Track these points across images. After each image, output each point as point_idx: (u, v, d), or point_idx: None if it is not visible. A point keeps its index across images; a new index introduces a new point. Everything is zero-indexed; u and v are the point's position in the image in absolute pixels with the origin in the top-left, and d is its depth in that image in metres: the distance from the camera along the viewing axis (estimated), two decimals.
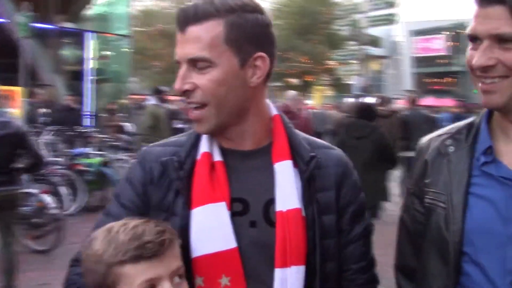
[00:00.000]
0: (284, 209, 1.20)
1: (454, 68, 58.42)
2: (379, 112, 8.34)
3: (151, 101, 8.25)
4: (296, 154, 1.26)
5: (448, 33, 57.26)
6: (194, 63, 1.18)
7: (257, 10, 1.22)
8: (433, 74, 60.37)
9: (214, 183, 1.21)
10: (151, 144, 1.37)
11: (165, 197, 1.25)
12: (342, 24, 21.65)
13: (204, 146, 1.26)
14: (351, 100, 16.39)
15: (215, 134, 1.27)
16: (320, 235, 1.22)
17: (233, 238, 1.17)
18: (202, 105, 1.20)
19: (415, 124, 8.35)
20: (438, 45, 57.90)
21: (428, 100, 40.98)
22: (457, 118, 19.03)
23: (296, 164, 1.25)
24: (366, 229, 1.34)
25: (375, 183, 5.34)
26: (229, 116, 1.22)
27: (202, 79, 1.18)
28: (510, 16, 1.07)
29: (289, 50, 34.41)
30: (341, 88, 39.41)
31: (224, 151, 1.26)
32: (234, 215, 1.20)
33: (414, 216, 1.35)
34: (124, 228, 1.09)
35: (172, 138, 1.38)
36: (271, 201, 1.23)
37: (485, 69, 1.11)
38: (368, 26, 19.72)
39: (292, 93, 8.60)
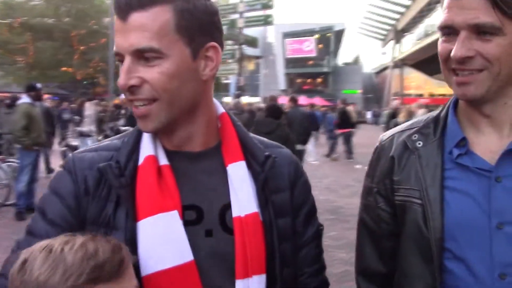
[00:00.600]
0: (242, 214, 1.08)
1: (323, 69, 62.03)
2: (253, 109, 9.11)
3: (24, 99, 7.42)
4: (249, 154, 1.15)
5: (317, 35, 60.52)
6: (141, 54, 1.01)
7: None
8: (304, 74, 63.47)
9: (163, 190, 1.05)
10: (79, 151, 1.17)
11: (103, 209, 1.07)
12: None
13: (146, 148, 1.10)
14: (230, 99, 16.41)
15: (160, 134, 1.12)
16: (278, 240, 1.12)
17: (188, 251, 1.03)
18: (151, 101, 1.04)
19: (297, 120, 8.88)
20: (309, 47, 60.89)
21: (300, 99, 42.89)
22: (324, 115, 19.79)
23: (249, 165, 1.14)
24: (317, 231, 1.25)
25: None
26: (180, 113, 1.08)
27: (151, 73, 1.02)
28: (489, 5, 1.00)
29: None
30: (218, 87, 39.84)
31: (169, 154, 1.11)
32: (187, 224, 1.05)
33: (378, 216, 1.28)
34: (70, 247, 0.86)
35: (103, 142, 1.18)
36: (226, 207, 1.10)
37: (463, 60, 1.05)
38: (244, 26, 19.97)
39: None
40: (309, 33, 60.83)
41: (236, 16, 20.01)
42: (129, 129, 1.21)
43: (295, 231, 1.19)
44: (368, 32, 66.06)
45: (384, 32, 63.15)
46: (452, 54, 1.05)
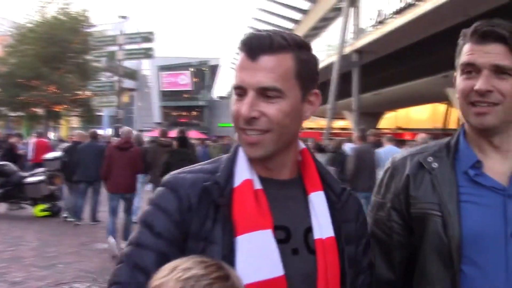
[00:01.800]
0: (323, 237, 1.22)
1: (199, 103, 62.60)
2: (159, 142, 10.23)
3: None
4: (326, 186, 1.29)
5: (192, 69, 61.17)
6: (264, 92, 1.16)
7: (311, 48, 1.25)
8: (179, 107, 63.40)
9: (259, 211, 1.17)
10: (175, 172, 1.28)
11: (203, 225, 1.18)
12: (96, 55, 21.09)
13: (244, 173, 1.22)
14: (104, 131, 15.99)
15: (255, 163, 1.24)
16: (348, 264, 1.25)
17: (280, 266, 1.14)
18: (264, 132, 1.18)
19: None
20: (184, 80, 61.18)
21: (177, 132, 42.79)
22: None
23: (326, 195, 1.27)
24: (371, 261, 1.39)
25: None
26: (283, 145, 1.22)
27: (271, 109, 1.16)
28: (507, 52, 1.27)
29: (35, 78, 32.10)
30: (91, 119, 38.31)
31: (262, 180, 1.24)
32: (277, 242, 1.17)
33: (391, 228, 1.45)
34: (181, 275, 0.99)
35: (196, 166, 1.31)
36: (309, 229, 1.23)
37: (484, 94, 1.28)
38: (125, 59, 19.71)
39: (126, 128, 9.04)
40: (184, 67, 61.25)
41: (115, 48, 19.70)
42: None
43: (356, 260, 1.30)
44: None
45: None
46: (476, 87, 1.27)
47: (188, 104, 62.44)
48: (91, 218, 10.23)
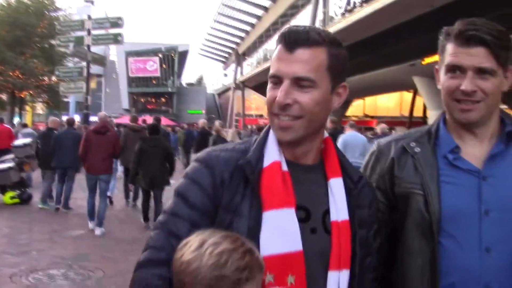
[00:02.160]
0: (339, 219, 1.33)
1: (167, 89, 62.07)
2: (131, 126, 10.75)
3: None
4: (345, 173, 1.40)
5: (161, 55, 60.53)
6: (298, 81, 1.27)
7: (341, 44, 1.37)
8: (148, 94, 62.74)
9: (285, 190, 1.29)
10: (211, 149, 1.41)
11: (233, 198, 1.29)
12: (63, 40, 20.65)
13: (273, 155, 1.33)
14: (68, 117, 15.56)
15: (284, 146, 1.35)
16: (359, 246, 1.37)
17: (300, 242, 1.25)
18: (296, 118, 1.29)
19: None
20: (152, 66, 60.50)
21: (146, 118, 42.47)
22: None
23: (344, 181, 1.39)
24: (380, 245, 1.50)
25: (163, 174, 8.52)
26: (312, 131, 1.34)
27: (304, 97, 1.28)
28: (490, 55, 1.40)
29: None
30: (58, 105, 37.61)
31: (288, 163, 1.34)
32: (298, 221, 1.28)
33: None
34: (212, 250, 1.10)
35: (229, 145, 1.42)
36: (326, 211, 1.34)
37: (469, 93, 1.41)
38: (93, 44, 19.37)
39: (102, 113, 9.72)
40: (153, 52, 60.57)
41: (83, 33, 19.34)
42: None
43: (367, 243, 1.42)
44: (211, 54, 67.94)
45: (226, 55, 65.43)
46: (463, 88, 1.41)
47: (156, 91, 61.88)
48: (64, 205, 10.28)
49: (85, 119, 19.30)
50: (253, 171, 1.30)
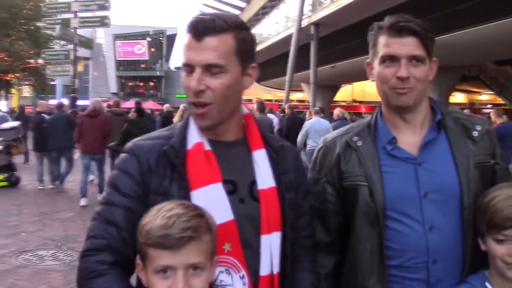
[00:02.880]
0: (265, 187, 1.43)
1: (156, 73, 61.68)
2: (114, 111, 11.21)
3: None
4: (267, 144, 1.51)
5: (149, 39, 60.00)
6: (209, 68, 1.35)
7: (249, 28, 1.46)
8: (136, 77, 62.30)
9: (210, 168, 1.38)
10: (136, 139, 1.48)
11: (161, 183, 1.38)
12: (49, 22, 20.39)
13: (195, 137, 1.42)
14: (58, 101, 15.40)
15: (209, 128, 1.43)
16: (288, 208, 1.47)
17: (230, 212, 1.36)
18: (209, 104, 1.38)
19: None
20: (140, 50, 59.97)
21: (133, 103, 42.30)
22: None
23: (267, 152, 1.50)
24: (311, 205, 1.63)
25: None
26: (227, 113, 1.42)
27: (215, 82, 1.36)
28: (420, 44, 1.53)
29: None
30: (44, 88, 37.26)
31: (211, 142, 1.44)
32: (227, 194, 1.38)
33: (326, 199, 1.70)
34: (165, 214, 1.21)
35: (154, 133, 1.52)
36: (253, 182, 1.44)
37: (404, 79, 1.53)
38: (80, 27, 19.16)
39: (95, 99, 10.91)
40: (141, 36, 59.98)
41: (70, 15, 19.12)
42: None
43: (297, 203, 1.53)
44: None
45: None
46: (399, 74, 1.53)
47: (144, 74, 61.45)
48: (60, 181, 10.65)
49: (73, 103, 19.16)
50: (178, 155, 1.39)
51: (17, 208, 8.84)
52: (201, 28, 1.36)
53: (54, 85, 45.50)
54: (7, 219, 7.97)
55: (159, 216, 1.21)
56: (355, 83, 54.04)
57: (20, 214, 8.41)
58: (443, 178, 1.57)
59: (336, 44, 28.12)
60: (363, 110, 51.44)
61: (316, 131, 9.90)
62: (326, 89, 41.85)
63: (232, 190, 1.41)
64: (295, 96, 54.61)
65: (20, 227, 7.46)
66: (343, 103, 52.48)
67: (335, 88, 46.05)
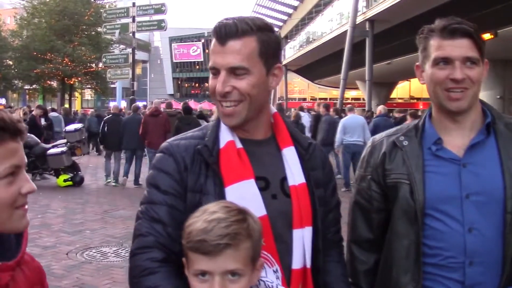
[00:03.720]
0: (296, 184, 1.48)
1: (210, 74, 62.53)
2: (168, 112, 12.33)
3: None
4: (296, 142, 1.56)
5: (204, 40, 60.93)
6: (234, 70, 1.42)
7: (273, 30, 1.51)
8: (192, 79, 63.47)
9: (242, 165, 1.44)
10: (171, 139, 1.56)
11: (197, 180, 1.44)
12: (109, 27, 21.16)
13: (226, 136, 1.48)
14: (117, 103, 16.06)
15: (238, 127, 1.49)
16: (318, 204, 1.53)
17: (263, 208, 1.41)
18: (238, 102, 1.44)
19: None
20: (196, 52, 61.01)
21: (190, 104, 43.12)
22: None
23: (296, 149, 1.55)
24: (338, 201, 1.68)
25: None
26: (254, 112, 1.48)
27: (240, 83, 1.42)
28: (473, 46, 1.54)
29: (48, 52, 32.35)
30: (105, 91, 38.64)
31: (242, 140, 1.50)
32: (259, 190, 1.43)
33: (371, 196, 1.74)
34: (207, 217, 1.22)
35: (188, 133, 1.58)
36: (284, 178, 1.49)
37: (459, 81, 1.53)
38: (138, 31, 19.75)
39: (157, 100, 12.78)
40: (196, 38, 61.05)
41: (128, 20, 19.75)
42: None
43: (325, 200, 1.59)
44: None
45: None
46: (454, 76, 1.53)
47: (200, 76, 62.39)
48: (135, 182, 11.57)
49: (131, 105, 19.78)
50: (211, 154, 1.45)
51: (82, 207, 9.25)
52: (224, 33, 1.42)
53: (114, 88, 47.04)
54: (72, 217, 8.35)
55: (201, 219, 1.22)
56: (412, 80, 52.68)
57: (84, 212, 8.80)
58: (487, 180, 1.57)
59: (392, 40, 27.51)
60: (420, 107, 50.04)
61: (352, 128, 10.46)
62: (382, 86, 41.04)
63: (264, 186, 1.46)
64: (350, 94, 53.85)
65: (85, 224, 7.80)
66: (400, 100, 51.35)
67: (391, 85, 45.07)
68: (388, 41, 27.51)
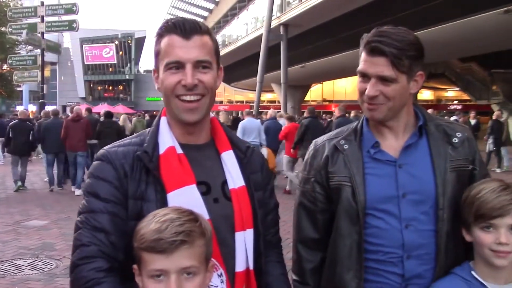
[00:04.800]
0: (236, 187, 1.51)
1: (125, 76, 60.87)
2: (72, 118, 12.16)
3: None
4: (234, 146, 1.59)
5: (117, 42, 59.24)
6: (199, 64, 1.45)
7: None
8: (105, 81, 61.39)
9: (183, 170, 1.44)
10: (108, 147, 1.52)
11: (138, 187, 1.42)
12: (15, 27, 19.98)
13: (167, 142, 1.48)
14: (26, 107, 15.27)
15: (175, 130, 1.51)
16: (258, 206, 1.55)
17: (206, 212, 1.41)
18: (201, 96, 1.46)
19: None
20: (109, 53, 59.16)
21: (103, 107, 41.80)
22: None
23: (235, 153, 1.57)
24: (276, 202, 1.73)
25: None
26: (208, 110, 1.51)
27: (206, 77, 1.46)
28: (389, 64, 1.58)
29: None
30: (11, 94, 36.47)
31: (182, 146, 1.50)
32: (201, 194, 1.44)
33: (315, 198, 1.80)
34: (159, 219, 1.24)
35: (125, 141, 1.55)
36: (224, 182, 1.51)
37: (371, 97, 1.63)
38: (46, 31, 18.81)
39: (77, 106, 13.12)
40: (109, 39, 59.20)
41: (36, 20, 18.76)
42: None
43: (264, 202, 1.63)
44: None
45: None
46: (366, 93, 1.63)
47: (113, 78, 60.60)
48: (58, 184, 11.91)
49: (41, 109, 18.83)
50: (151, 159, 1.45)
51: None
52: (188, 28, 1.45)
53: (21, 91, 44.50)
54: None
55: (153, 221, 1.24)
56: (325, 83, 54.58)
57: None
58: (421, 180, 1.67)
59: (306, 44, 28.39)
60: (333, 109, 51.96)
61: (250, 130, 11.37)
62: (297, 89, 42.16)
63: (205, 191, 1.47)
64: (266, 96, 54.79)
65: None
66: (314, 103, 52.92)
67: (305, 88, 46.41)
68: (302, 44, 28.35)
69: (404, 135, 1.73)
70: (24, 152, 11.90)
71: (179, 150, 1.48)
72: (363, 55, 1.66)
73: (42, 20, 18.35)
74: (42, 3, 18.72)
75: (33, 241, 7.11)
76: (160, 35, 1.48)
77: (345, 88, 55.22)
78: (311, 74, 35.71)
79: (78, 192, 10.67)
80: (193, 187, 1.43)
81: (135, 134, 1.61)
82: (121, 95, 60.87)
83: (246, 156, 1.59)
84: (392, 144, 1.72)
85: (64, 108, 46.49)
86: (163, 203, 1.40)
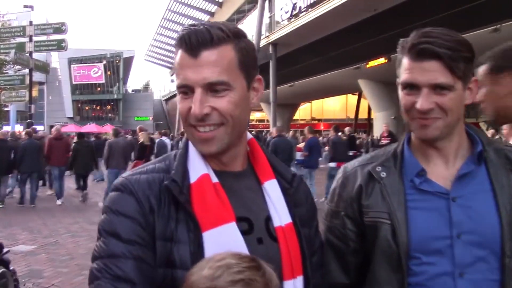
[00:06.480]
0: (283, 224, 1.23)
1: (113, 96, 60.76)
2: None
3: None
4: (277, 174, 1.31)
5: (105, 62, 59.23)
6: (212, 86, 1.15)
7: (246, 35, 1.24)
8: (93, 101, 61.26)
9: (221, 204, 1.17)
10: (128, 174, 1.23)
11: (167, 225, 1.15)
12: (3, 46, 19.85)
13: (199, 168, 1.21)
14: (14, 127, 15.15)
15: (212, 156, 1.23)
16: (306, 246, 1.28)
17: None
18: (218, 126, 1.18)
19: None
20: (97, 73, 59.15)
21: (91, 127, 41.57)
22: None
23: (279, 182, 1.30)
24: (322, 241, 1.45)
25: (89, 163, 13.58)
26: (237, 136, 1.23)
27: (221, 102, 1.16)
28: (445, 69, 1.29)
29: None
30: None
31: (216, 173, 1.22)
32: (242, 234, 1.16)
33: (345, 235, 1.48)
34: (213, 264, 1.04)
35: (148, 166, 1.27)
36: (268, 218, 1.24)
37: (425, 112, 1.32)
38: (35, 51, 18.71)
39: (57, 126, 14.53)
40: (97, 59, 59.21)
41: (25, 39, 18.66)
42: None
43: (310, 240, 1.34)
44: (157, 60, 67.09)
45: (172, 60, 64.45)
46: (418, 106, 1.31)
47: (101, 98, 60.49)
48: (31, 201, 12.42)
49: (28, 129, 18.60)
50: (181, 191, 1.16)
51: None
52: (195, 42, 1.14)
53: (8, 111, 44.10)
54: None
55: (206, 267, 1.03)
56: (313, 101, 54.81)
57: None
58: (482, 218, 1.34)
59: (294, 63, 28.50)
60: (322, 127, 52.15)
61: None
62: (285, 108, 42.25)
63: (247, 229, 1.20)
64: (255, 115, 54.84)
65: None
66: (302, 121, 53.11)
67: (294, 107, 46.53)
68: (291, 64, 28.47)
69: (456, 161, 1.41)
70: (4, 172, 12.37)
71: (215, 179, 1.20)
72: (406, 63, 1.35)
73: (31, 40, 18.26)
74: (31, 23, 18.66)
75: (20, 267, 6.88)
76: (175, 48, 1.21)
77: (334, 106, 55.53)
78: (300, 93, 35.82)
79: (59, 202, 12.56)
80: (233, 225, 1.16)
81: (159, 158, 1.32)
82: (109, 115, 60.69)
83: (293, 187, 1.32)
84: (441, 172, 1.40)
85: (51, 128, 46.17)
86: (198, 244, 1.13)
